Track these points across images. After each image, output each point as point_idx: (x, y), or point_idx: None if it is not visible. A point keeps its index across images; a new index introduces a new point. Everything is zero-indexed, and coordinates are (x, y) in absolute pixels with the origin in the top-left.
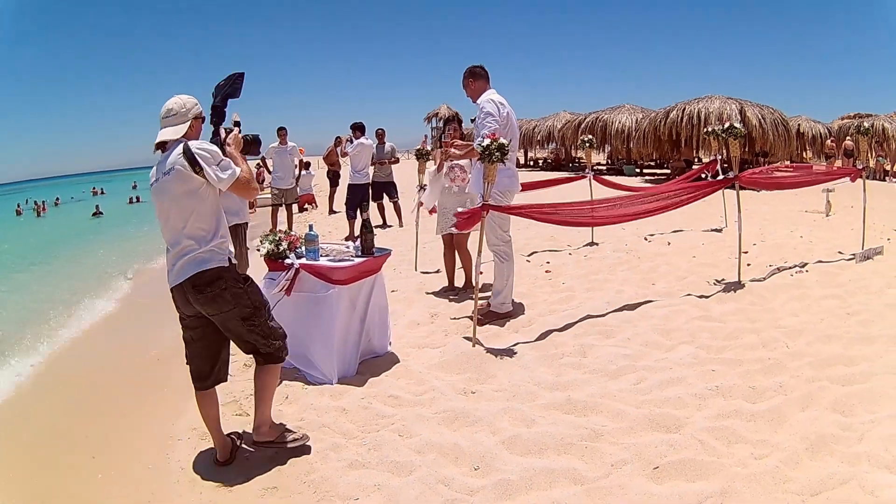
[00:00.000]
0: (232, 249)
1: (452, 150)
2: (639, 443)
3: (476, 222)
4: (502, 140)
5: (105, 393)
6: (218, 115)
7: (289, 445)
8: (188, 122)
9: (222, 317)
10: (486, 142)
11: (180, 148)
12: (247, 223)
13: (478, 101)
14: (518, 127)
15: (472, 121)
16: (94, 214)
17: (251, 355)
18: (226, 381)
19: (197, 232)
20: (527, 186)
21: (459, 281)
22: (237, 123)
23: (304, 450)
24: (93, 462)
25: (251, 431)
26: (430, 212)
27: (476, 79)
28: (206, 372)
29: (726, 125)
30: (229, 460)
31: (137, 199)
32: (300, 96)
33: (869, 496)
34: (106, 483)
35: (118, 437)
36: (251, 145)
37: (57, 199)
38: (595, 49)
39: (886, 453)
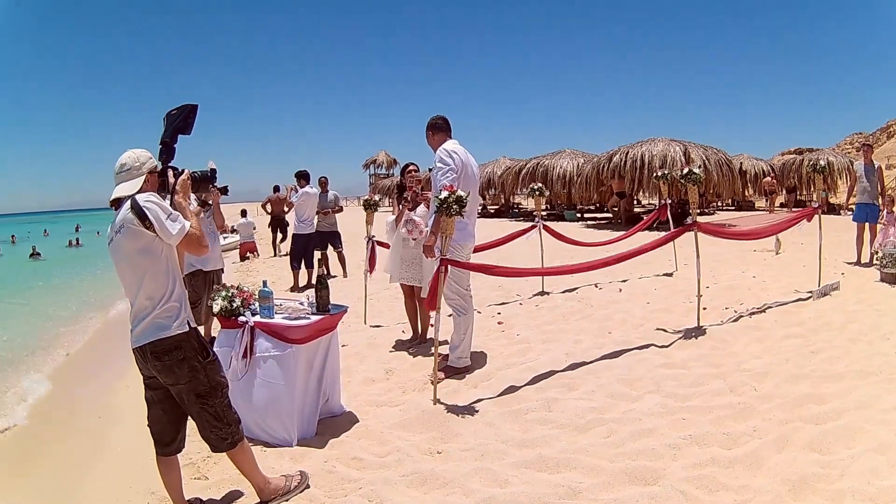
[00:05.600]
0: (190, 312)
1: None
2: (619, 497)
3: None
4: (461, 192)
5: (55, 454)
6: (167, 151)
7: (295, 494)
8: (143, 177)
9: (177, 388)
10: (444, 194)
11: (129, 203)
12: (221, 269)
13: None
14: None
15: (430, 170)
16: (32, 256)
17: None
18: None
19: (153, 292)
20: (480, 248)
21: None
22: (213, 171)
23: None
24: None
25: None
26: (371, 271)
27: (435, 132)
28: (170, 437)
29: (685, 170)
30: None
31: (77, 241)
32: (229, 140)
33: None
34: None
35: (73, 501)
36: (200, 183)
37: None
38: (535, 95)
39: (870, 486)
